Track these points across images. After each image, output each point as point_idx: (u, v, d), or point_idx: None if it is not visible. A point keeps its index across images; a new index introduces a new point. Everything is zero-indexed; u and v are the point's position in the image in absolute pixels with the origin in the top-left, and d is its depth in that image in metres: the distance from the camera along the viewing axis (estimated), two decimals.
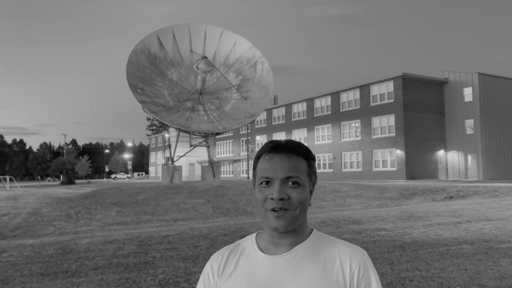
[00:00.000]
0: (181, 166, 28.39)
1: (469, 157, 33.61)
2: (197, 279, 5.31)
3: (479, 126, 33.03)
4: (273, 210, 1.07)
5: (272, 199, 1.07)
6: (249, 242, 1.18)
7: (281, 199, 1.06)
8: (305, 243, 1.12)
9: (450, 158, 34.72)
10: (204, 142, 27.45)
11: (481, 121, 33.04)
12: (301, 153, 1.13)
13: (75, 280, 5.55)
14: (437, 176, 34.15)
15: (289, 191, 1.08)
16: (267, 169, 1.10)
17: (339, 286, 1.07)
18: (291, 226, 1.08)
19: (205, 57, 24.91)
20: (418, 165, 33.02)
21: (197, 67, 25.09)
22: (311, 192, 1.15)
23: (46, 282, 5.48)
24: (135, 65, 25.26)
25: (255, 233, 1.21)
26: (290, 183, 1.09)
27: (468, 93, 33.85)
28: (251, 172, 49.20)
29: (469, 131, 33.72)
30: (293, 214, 1.08)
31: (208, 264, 1.20)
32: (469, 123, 33.75)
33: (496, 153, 33.83)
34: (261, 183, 1.10)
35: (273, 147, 1.13)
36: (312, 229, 1.18)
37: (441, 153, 34.79)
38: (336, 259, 1.10)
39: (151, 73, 26.09)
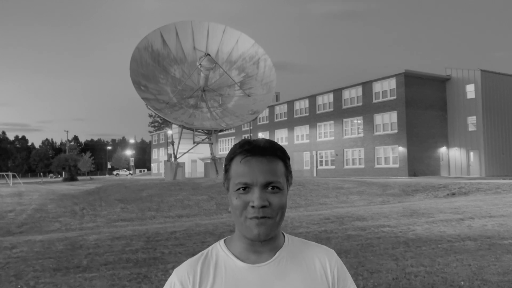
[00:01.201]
0: (184, 163, 28.52)
1: (471, 154, 33.68)
2: None
3: (481, 123, 33.07)
4: (255, 218, 1.01)
5: (253, 207, 1.01)
6: (220, 251, 1.10)
7: (263, 207, 1.01)
8: (285, 248, 1.09)
9: (452, 155, 34.79)
10: (207, 139, 27.56)
11: (483, 118, 33.08)
12: (277, 153, 1.07)
13: (87, 275, 5.68)
14: (439, 173, 34.24)
15: (270, 197, 1.02)
16: (244, 174, 1.02)
17: (325, 286, 1.07)
18: (272, 233, 1.04)
19: (208, 54, 24.97)
20: (420, 162, 33.11)
21: (200, 64, 25.17)
22: (287, 194, 1.10)
23: (59, 277, 5.61)
24: (139, 62, 25.35)
25: (221, 241, 1.13)
26: (270, 188, 1.03)
27: (470, 90, 33.88)
28: None
29: (471, 128, 33.77)
30: (274, 221, 1.03)
31: (175, 281, 1.06)
32: (471, 120, 33.79)
33: (498, 150, 33.88)
34: (238, 188, 1.03)
35: (250, 149, 1.05)
36: (283, 233, 1.15)
37: (443, 150, 34.85)
38: (316, 260, 1.10)
39: (154, 70, 26.18)
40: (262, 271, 1.05)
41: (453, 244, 6.97)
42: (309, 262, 1.09)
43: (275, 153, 1.06)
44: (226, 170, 1.09)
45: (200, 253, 1.11)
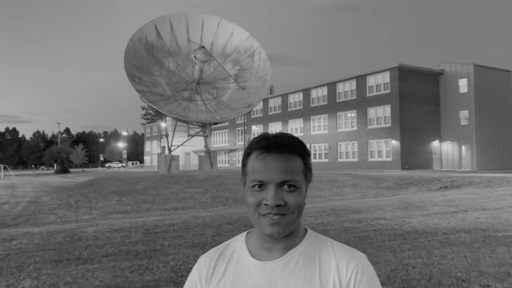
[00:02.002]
0: (178, 156, 28.51)
1: (463, 147, 34.04)
2: None
3: (474, 117, 33.40)
4: (268, 214, 0.99)
5: (266, 204, 0.98)
6: (239, 245, 1.10)
7: (278, 206, 0.98)
8: (299, 247, 1.04)
9: (444, 149, 35.13)
10: (201, 132, 27.55)
11: (475, 112, 33.41)
12: (296, 150, 1.03)
13: (89, 266, 5.72)
14: (432, 166, 34.58)
15: (285, 196, 0.99)
16: (259, 171, 1.00)
17: None
18: (288, 231, 1.01)
19: (203, 47, 24.90)
20: (413, 156, 33.40)
21: (194, 56, 25.08)
22: (306, 191, 1.06)
23: (61, 269, 5.65)
24: (133, 54, 25.20)
25: (245, 233, 1.13)
26: (286, 186, 0.99)
27: (463, 84, 34.16)
28: None
29: (463, 122, 34.09)
30: (290, 219, 0.99)
31: (195, 269, 1.12)
32: (464, 114, 34.11)
33: (490, 143, 34.27)
34: (254, 185, 1.01)
35: (266, 146, 1.02)
36: (307, 230, 1.09)
37: (435, 143, 35.18)
38: (332, 265, 1.02)
39: (148, 63, 26.04)
40: (269, 269, 1.02)
41: (448, 237, 7.11)
42: (324, 266, 1.02)
43: (293, 149, 1.02)
44: (243, 165, 1.06)
45: (222, 244, 1.14)
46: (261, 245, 1.05)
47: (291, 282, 1.00)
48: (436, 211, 10.15)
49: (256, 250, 1.06)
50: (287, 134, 1.06)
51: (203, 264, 1.10)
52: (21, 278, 5.23)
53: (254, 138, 1.06)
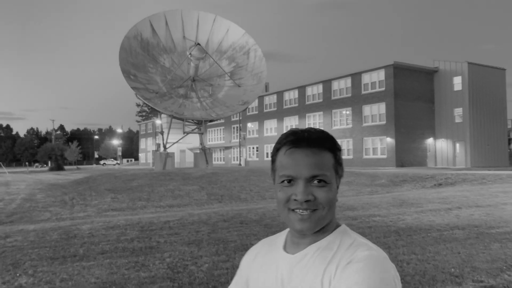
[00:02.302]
0: (173, 153, 28.48)
1: (457, 145, 34.25)
2: (204, 263, 5.55)
3: (468, 114, 33.59)
4: (298, 209, 0.97)
5: (296, 200, 0.97)
6: (281, 237, 1.13)
7: (307, 201, 0.97)
8: (320, 243, 1.01)
9: (439, 146, 35.33)
10: (197, 129, 27.53)
11: (469, 110, 33.60)
12: (326, 145, 1.01)
13: (85, 263, 5.73)
14: (426, 163, 34.78)
15: (315, 191, 0.97)
16: (288, 166, 0.99)
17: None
18: (318, 227, 0.99)
19: (198, 44, 24.85)
20: (408, 153, 33.57)
21: (190, 53, 25.03)
22: (337, 187, 1.03)
23: (57, 266, 5.65)
24: (128, 51, 25.10)
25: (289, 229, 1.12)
26: (315, 181, 0.98)
27: (457, 82, 34.34)
28: (242, 159, 49.45)
29: (457, 120, 34.29)
30: (321, 215, 0.98)
31: (245, 256, 1.19)
32: (458, 111, 34.30)
33: (484, 141, 34.51)
34: (283, 181, 1.00)
35: (294, 141, 1.00)
36: (339, 226, 1.05)
37: (430, 141, 35.37)
38: (340, 263, 0.95)
39: (143, 59, 25.96)
40: (289, 261, 1.03)
41: (442, 233, 7.18)
42: (332, 263, 0.96)
43: (322, 144, 1.00)
44: (273, 161, 1.05)
45: (275, 235, 1.17)
46: (292, 239, 1.07)
47: (299, 275, 0.99)
48: (430, 208, 10.23)
49: (288, 243, 1.08)
50: (317, 129, 1.04)
51: (250, 252, 1.17)
52: (18, 275, 5.23)
53: (283, 133, 1.05)
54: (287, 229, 1.12)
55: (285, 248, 1.07)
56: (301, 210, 0.97)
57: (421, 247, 6.19)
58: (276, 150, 1.04)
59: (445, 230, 7.47)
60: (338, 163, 1.03)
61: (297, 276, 0.99)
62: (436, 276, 4.74)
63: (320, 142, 1.00)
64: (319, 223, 0.98)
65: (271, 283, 1.04)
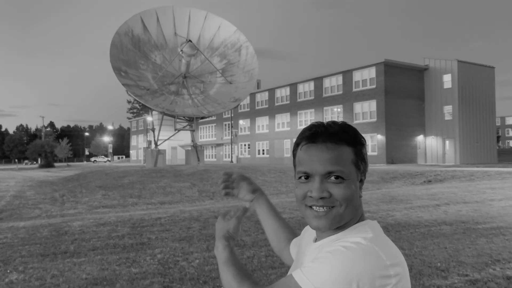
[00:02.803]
0: (164, 150, 28.41)
1: (447, 142, 34.60)
2: (195, 258, 5.59)
3: (457, 112, 33.94)
4: (314, 206, 0.96)
5: (311, 197, 0.96)
6: None
7: (322, 198, 0.94)
8: (334, 236, 0.98)
9: (428, 143, 35.66)
10: (188, 126, 27.48)
11: (459, 108, 33.95)
12: (344, 139, 0.97)
13: (76, 260, 5.74)
14: (416, 160, 35.09)
15: (331, 188, 0.94)
16: (304, 162, 0.97)
17: None
18: (336, 224, 0.96)
19: (190, 41, 24.77)
20: (398, 150, 33.85)
21: (181, 50, 24.95)
22: (361, 181, 1.00)
23: (47, 262, 5.65)
24: (119, 47, 24.95)
25: None
26: (332, 178, 0.94)
27: (447, 80, 34.65)
28: (234, 156, 49.48)
29: (447, 117, 34.62)
30: (338, 212, 0.94)
31: (304, 230, 1.22)
32: (448, 109, 34.63)
33: (472, 138, 34.90)
34: (300, 177, 0.99)
35: (310, 136, 0.98)
36: (360, 221, 1.00)
37: (420, 138, 35.68)
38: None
39: (134, 56, 25.83)
40: (308, 248, 1.06)
41: (430, 229, 7.29)
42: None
43: (340, 138, 0.96)
44: (294, 156, 1.03)
45: None
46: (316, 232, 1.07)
47: (303, 263, 1.02)
48: (419, 204, 10.37)
49: (317, 233, 1.06)
50: (339, 122, 1.01)
51: (306, 230, 1.19)
52: (8, 271, 5.23)
53: (304, 128, 1.03)
54: None
55: (315, 239, 1.07)
56: (317, 207, 0.95)
57: (409, 242, 6.29)
58: (296, 145, 1.02)
59: (433, 225, 7.59)
60: (359, 157, 0.98)
61: (300, 265, 1.02)
62: (422, 271, 4.83)
63: (337, 136, 0.96)
64: (335, 220, 0.95)
65: (293, 267, 1.12)
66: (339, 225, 0.96)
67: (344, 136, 0.97)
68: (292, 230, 1.41)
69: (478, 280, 4.49)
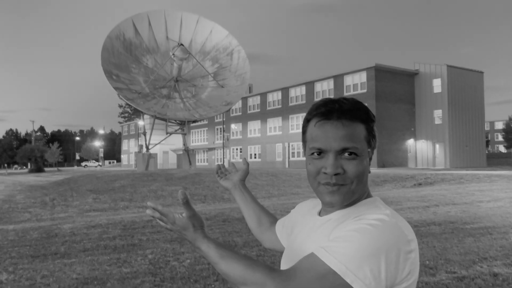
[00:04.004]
0: (156, 154, 28.34)
1: (437, 146, 34.93)
2: (186, 259, 5.60)
3: (447, 116, 34.31)
4: (327, 184, 0.96)
5: (325, 173, 0.96)
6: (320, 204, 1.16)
7: (336, 174, 0.95)
8: (345, 210, 1.00)
9: (419, 147, 35.97)
10: (180, 130, 27.45)
11: (448, 112, 34.32)
12: (358, 116, 0.98)
13: (66, 261, 5.72)
14: (407, 164, 35.37)
15: (345, 164, 0.95)
16: (318, 139, 0.97)
17: None
18: (348, 200, 0.98)
19: (182, 45, 24.82)
20: (389, 154, 34.10)
21: (173, 54, 24.97)
22: (370, 159, 1.02)
23: (38, 263, 5.63)
24: (110, 51, 24.90)
25: None
26: (346, 154, 0.95)
27: (437, 85, 35.03)
28: (226, 160, 49.43)
29: (437, 121, 34.98)
30: (349, 189, 0.96)
31: (301, 204, 1.25)
32: (438, 113, 34.99)
33: (462, 142, 35.28)
34: (313, 153, 0.98)
35: (325, 112, 0.98)
36: (368, 198, 1.03)
37: (410, 142, 35.98)
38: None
39: (126, 60, 25.79)
40: (313, 223, 1.06)
41: (419, 229, 7.38)
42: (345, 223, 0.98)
43: (354, 115, 0.97)
44: (303, 132, 1.04)
45: None
46: (324, 207, 1.08)
47: (314, 235, 1.01)
48: (409, 206, 10.48)
49: (322, 209, 1.09)
50: (349, 99, 1.00)
51: (306, 203, 1.22)
52: None
53: (314, 104, 1.02)
54: None
55: (319, 213, 1.09)
56: (330, 185, 0.96)
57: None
58: (306, 121, 1.03)
59: (422, 226, 7.68)
60: (371, 135, 1.01)
61: (315, 237, 1.00)
62: None
63: (351, 113, 0.97)
64: (347, 196, 0.97)
65: (299, 241, 1.07)
66: (350, 201, 0.98)
67: (357, 113, 0.98)
68: (273, 216, 1.46)
69: (465, 277, 4.57)
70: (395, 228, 0.88)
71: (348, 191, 0.96)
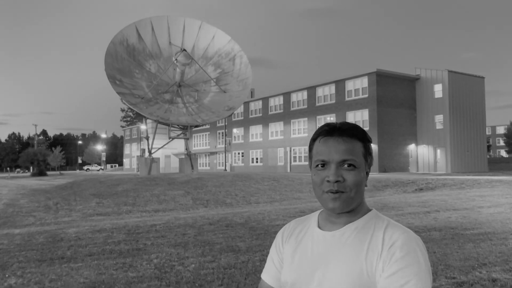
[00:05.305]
0: (158, 158, 28.47)
1: (438, 151, 34.99)
2: (191, 263, 5.71)
3: (448, 121, 34.39)
4: (330, 192, 1.10)
5: (328, 181, 1.10)
6: (313, 217, 1.26)
7: (337, 181, 1.09)
8: (356, 223, 1.14)
9: (420, 152, 36.04)
10: (182, 135, 27.60)
11: (449, 117, 34.41)
12: (356, 135, 1.15)
13: (73, 265, 5.83)
14: (408, 169, 35.42)
15: (345, 174, 1.10)
16: (322, 152, 1.13)
17: (373, 265, 1.07)
18: (347, 207, 1.11)
19: (185, 50, 25.00)
20: (390, 159, 34.16)
21: (176, 59, 25.16)
22: (367, 174, 1.17)
23: (45, 267, 5.74)
24: (114, 56, 25.11)
25: (321, 210, 1.26)
26: (345, 165, 1.11)
27: (438, 90, 35.14)
28: (228, 165, 49.57)
29: (438, 126, 35.05)
30: (349, 196, 1.10)
31: (280, 232, 1.32)
32: (439, 118, 35.07)
33: (463, 147, 35.34)
34: (317, 165, 1.14)
35: (328, 131, 1.15)
36: (371, 210, 1.19)
37: (412, 147, 36.05)
38: (379, 236, 1.09)
39: (129, 65, 25.99)
40: (327, 238, 1.16)
41: (420, 234, 7.47)
42: (373, 241, 1.10)
43: (353, 134, 1.14)
44: (310, 150, 1.20)
45: (307, 215, 1.31)
46: (328, 218, 1.19)
47: (342, 251, 1.11)
48: (410, 211, 10.56)
49: (323, 222, 1.20)
50: (350, 123, 1.19)
51: (287, 228, 1.30)
52: (6, 276, 5.31)
53: (319, 127, 1.21)
54: (318, 211, 1.27)
55: (319, 227, 1.20)
56: (332, 192, 1.10)
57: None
58: (313, 141, 1.19)
59: (423, 231, 7.77)
60: (367, 152, 1.17)
61: (338, 252, 1.11)
62: None
63: (351, 132, 1.15)
64: (347, 202, 1.11)
65: (307, 258, 1.16)
66: (350, 208, 1.13)
67: (356, 132, 1.16)
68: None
69: (464, 283, 4.66)
70: (420, 240, 1.10)
71: (347, 198, 1.10)
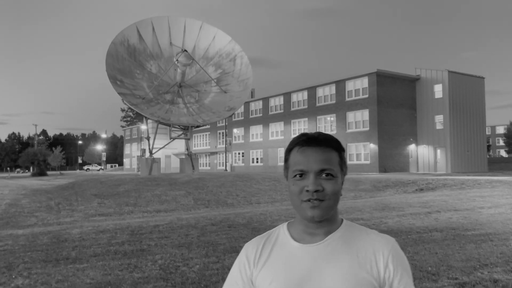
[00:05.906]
0: (159, 158, 28.52)
1: (438, 151, 35.05)
2: (195, 264, 5.77)
3: (448, 121, 34.45)
4: (308, 200, 1.10)
5: (307, 191, 1.10)
6: (282, 232, 1.22)
7: (316, 191, 1.09)
8: (338, 233, 1.15)
9: (420, 152, 36.10)
10: (183, 135, 27.65)
11: (450, 117, 34.47)
12: (332, 145, 1.17)
13: (79, 266, 5.89)
14: (408, 169, 35.47)
15: (323, 183, 1.11)
16: (300, 162, 1.13)
17: (373, 275, 1.10)
18: (326, 215, 1.12)
19: (185, 50, 25.06)
20: (390, 159, 34.22)
21: (177, 60, 25.21)
22: (342, 182, 1.18)
23: (50, 268, 5.80)
24: (114, 56, 25.16)
25: (286, 223, 1.24)
26: (323, 175, 1.12)
27: (438, 90, 35.20)
28: (228, 164, 49.61)
29: (438, 126, 35.11)
30: (328, 204, 1.11)
31: (243, 254, 1.23)
32: (439, 118, 35.13)
33: (463, 147, 35.40)
34: (295, 175, 1.13)
35: (306, 140, 1.16)
36: (342, 219, 1.21)
37: (412, 147, 36.11)
38: (368, 248, 1.13)
39: (130, 65, 26.05)
40: (312, 250, 1.14)
41: (421, 235, 7.53)
42: (361, 249, 1.13)
43: (329, 144, 1.17)
44: (286, 160, 1.20)
45: (266, 232, 1.26)
46: (305, 230, 1.17)
47: (333, 261, 1.11)
48: (411, 212, 10.62)
49: (299, 236, 1.17)
50: (325, 133, 1.20)
51: (250, 249, 1.22)
52: (13, 277, 5.37)
53: (294, 137, 1.21)
54: (281, 225, 1.24)
55: (297, 241, 1.17)
56: (311, 200, 1.10)
57: (402, 248, 6.49)
58: (289, 151, 1.20)
59: (424, 232, 7.83)
60: (342, 161, 1.19)
61: (328, 263, 1.11)
62: (414, 274, 5.05)
63: (327, 142, 1.17)
64: (326, 210, 1.12)
65: (296, 274, 1.11)
66: (328, 216, 1.13)
67: (332, 143, 1.18)
68: None
69: (466, 283, 4.72)
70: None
71: (327, 206, 1.11)
